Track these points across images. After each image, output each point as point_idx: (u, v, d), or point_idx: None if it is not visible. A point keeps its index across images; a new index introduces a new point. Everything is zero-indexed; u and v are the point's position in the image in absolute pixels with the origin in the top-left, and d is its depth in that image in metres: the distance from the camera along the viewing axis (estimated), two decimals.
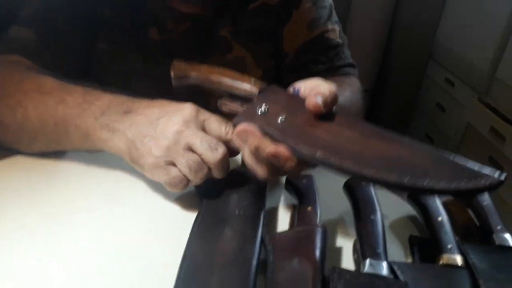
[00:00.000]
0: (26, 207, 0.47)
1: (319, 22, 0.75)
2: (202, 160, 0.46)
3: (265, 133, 0.43)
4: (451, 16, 1.65)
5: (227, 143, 0.48)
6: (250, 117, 0.45)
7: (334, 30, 0.76)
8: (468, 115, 1.49)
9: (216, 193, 0.50)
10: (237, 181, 0.52)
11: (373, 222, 0.46)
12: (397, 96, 1.87)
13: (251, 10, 0.72)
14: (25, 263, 0.41)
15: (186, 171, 0.46)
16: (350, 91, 0.70)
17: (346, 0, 1.64)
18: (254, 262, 0.41)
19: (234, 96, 0.51)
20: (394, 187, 0.47)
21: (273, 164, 0.43)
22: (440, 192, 0.37)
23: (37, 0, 0.66)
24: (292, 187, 0.53)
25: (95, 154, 0.55)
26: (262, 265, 0.41)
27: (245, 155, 0.46)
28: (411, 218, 0.53)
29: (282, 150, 0.41)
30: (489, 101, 1.38)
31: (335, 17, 0.78)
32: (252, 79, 0.51)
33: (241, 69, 0.75)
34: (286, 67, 0.78)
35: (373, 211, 0.48)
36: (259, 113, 0.45)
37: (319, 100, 0.43)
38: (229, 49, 0.74)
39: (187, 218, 0.47)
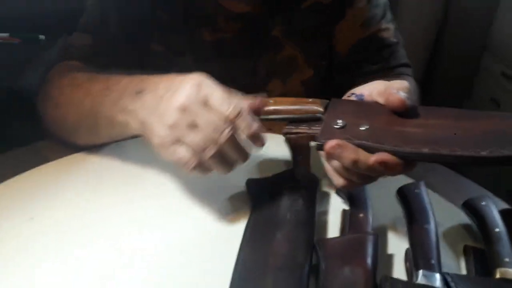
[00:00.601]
0: (86, 205, 0.50)
1: (373, 21, 0.73)
2: (208, 139, 0.44)
3: (358, 145, 0.41)
4: (509, 5, 1.56)
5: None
6: (330, 134, 0.43)
7: (389, 29, 0.74)
8: None
9: (268, 196, 0.51)
10: (288, 184, 0.52)
11: (427, 231, 0.46)
12: (449, 89, 1.79)
13: (303, 8, 0.72)
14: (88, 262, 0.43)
15: (191, 150, 0.44)
16: (407, 92, 0.68)
17: None
18: (307, 267, 0.42)
19: (297, 121, 0.49)
20: None
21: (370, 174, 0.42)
22: None
23: (94, 7, 0.71)
24: (344, 192, 0.53)
25: (146, 156, 0.56)
26: (314, 270, 0.42)
27: (336, 171, 0.44)
28: (466, 227, 0.52)
29: (387, 157, 0.40)
30: None
31: (389, 15, 0.75)
32: (310, 99, 0.50)
33: (292, 68, 0.76)
34: (338, 67, 0.77)
35: (427, 219, 0.47)
36: (338, 128, 0.43)
37: (403, 95, 0.43)
38: (280, 48, 0.74)
39: (239, 221, 0.49)
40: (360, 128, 0.43)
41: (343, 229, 0.49)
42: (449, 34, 1.74)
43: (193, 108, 0.44)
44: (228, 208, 0.52)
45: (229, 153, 0.45)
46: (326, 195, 0.55)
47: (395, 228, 0.50)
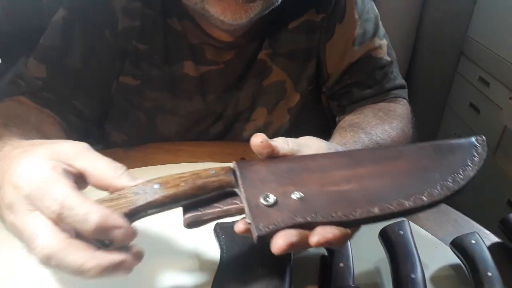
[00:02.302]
0: None
1: (365, 38, 0.67)
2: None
3: (301, 225, 0.34)
4: (484, 9, 1.56)
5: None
6: (267, 218, 0.34)
7: (381, 46, 0.68)
8: (504, 118, 1.40)
9: (238, 243, 0.46)
10: None
11: (413, 283, 0.41)
12: (427, 95, 1.78)
13: (292, 29, 0.66)
14: None
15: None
16: (401, 127, 0.63)
17: None
18: None
19: (198, 203, 0.37)
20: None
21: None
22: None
23: (56, 29, 0.63)
24: None
25: None
26: None
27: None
28: (455, 268, 0.47)
29: (333, 231, 0.34)
30: None
31: (382, 29, 0.69)
32: (211, 170, 0.38)
33: (280, 94, 0.70)
34: (328, 91, 0.72)
35: (413, 268, 0.43)
36: (269, 206, 0.35)
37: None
38: (268, 73, 0.68)
39: (206, 272, 0.44)
40: (293, 198, 0.35)
41: (321, 279, 0.44)
42: (426, 40, 1.73)
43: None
44: (194, 258, 0.46)
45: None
46: None
47: (380, 276, 0.46)
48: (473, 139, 0.41)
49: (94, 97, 0.66)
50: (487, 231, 0.52)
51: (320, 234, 0.33)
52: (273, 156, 0.39)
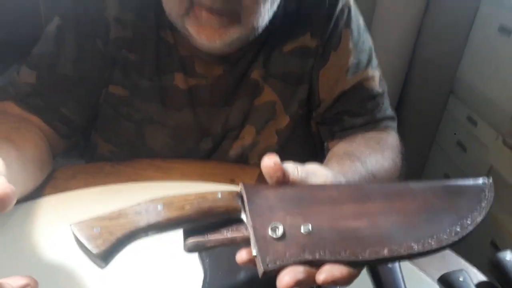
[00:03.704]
0: None
1: (359, 67, 0.68)
2: None
3: (304, 262, 0.33)
4: (474, 50, 1.60)
5: None
6: (274, 253, 0.33)
7: (374, 77, 0.69)
8: (491, 158, 1.42)
9: (224, 262, 0.45)
10: None
11: None
12: (416, 131, 1.80)
13: (286, 52, 0.67)
14: None
15: None
16: (392, 157, 0.63)
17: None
18: None
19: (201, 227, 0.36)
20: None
21: None
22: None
23: (49, 36, 0.63)
24: None
25: None
26: None
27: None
28: None
29: (341, 270, 0.33)
30: None
31: (375, 61, 0.70)
32: (218, 194, 0.37)
33: (269, 115, 0.70)
34: (318, 117, 0.72)
35: None
36: (275, 238, 0.34)
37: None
38: (259, 92, 0.68)
39: None
40: (302, 231, 0.34)
41: None
42: (416, 79, 1.76)
43: None
44: (175, 281, 0.45)
45: None
46: None
47: None
48: (480, 181, 0.40)
49: (83, 104, 0.65)
50: (474, 270, 0.52)
51: (328, 272, 0.32)
52: (282, 181, 0.37)
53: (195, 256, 0.47)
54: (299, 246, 0.33)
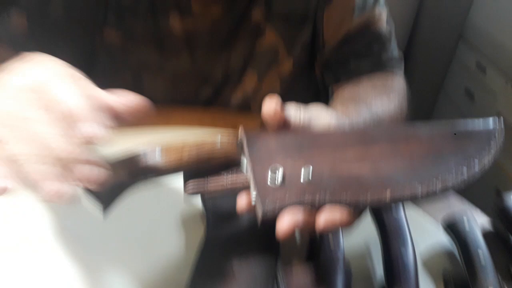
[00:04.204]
0: None
1: (365, 7, 0.64)
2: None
3: (304, 203, 0.33)
4: None
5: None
6: (273, 197, 0.32)
7: (381, 16, 0.66)
8: (499, 104, 1.39)
9: (225, 211, 0.45)
10: None
11: (403, 256, 0.41)
12: (422, 78, 1.76)
13: None
14: None
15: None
16: (398, 99, 0.61)
17: None
18: None
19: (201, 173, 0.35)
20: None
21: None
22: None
23: None
24: None
25: None
26: None
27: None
28: (447, 250, 0.46)
29: (339, 213, 0.32)
30: None
31: None
32: (218, 141, 0.36)
33: (271, 59, 0.66)
34: (323, 60, 0.69)
35: (403, 242, 0.42)
36: (275, 179, 0.33)
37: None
38: (260, 34, 0.65)
39: (191, 244, 0.42)
40: (302, 174, 0.34)
41: (309, 252, 0.44)
42: (424, 24, 1.70)
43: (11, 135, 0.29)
44: (179, 226, 0.45)
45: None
46: None
47: (369, 251, 0.45)
48: (491, 123, 0.38)
49: (78, 50, 0.63)
50: (478, 212, 0.52)
51: (328, 212, 0.32)
52: (283, 127, 0.36)
53: (198, 201, 0.47)
54: (299, 188, 0.33)
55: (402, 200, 0.34)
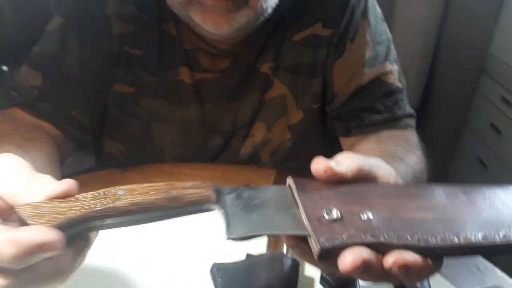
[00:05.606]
0: None
1: (377, 61, 0.64)
2: None
3: (370, 244, 0.29)
4: (507, 25, 1.50)
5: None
6: (329, 232, 0.29)
7: (392, 71, 0.64)
8: None
9: (236, 286, 0.42)
10: (262, 271, 0.43)
11: None
12: (446, 115, 1.72)
13: (297, 42, 0.63)
14: None
15: None
16: (419, 151, 0.60)
17: (388, 7, 1.52)
18: None
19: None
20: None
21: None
22: None
23: (52, 35, 0.62)
24: (331, 279, 0.44)
25: None
26: None
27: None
28: None
29: (409, 256, 0.28)
30: None
31: (393, 53, 0.66)
32: (190, 183, 0.33)
33: (280, 110, 0.66)
34: (333, 112, 0.67)
35: None
36: (332, 221, 0.30)
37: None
38: (269, 86, 0.65)
39: None
40: (361, 217, 0.30)
41: None
42: (445, 59, 1.67)
43: None
44: None
45: None
46: (308, 283, 0.46)
47: None
48: None
49: (92, 106, 0.64)
50: None
51: (398, 255, 0.28)
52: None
53: (207, 274, 0.44)
54: (359, 228, 0.29)
55: (477, 249, 0.30)
